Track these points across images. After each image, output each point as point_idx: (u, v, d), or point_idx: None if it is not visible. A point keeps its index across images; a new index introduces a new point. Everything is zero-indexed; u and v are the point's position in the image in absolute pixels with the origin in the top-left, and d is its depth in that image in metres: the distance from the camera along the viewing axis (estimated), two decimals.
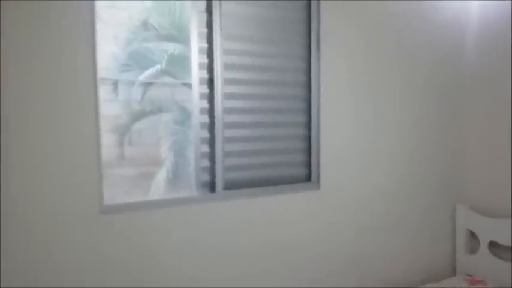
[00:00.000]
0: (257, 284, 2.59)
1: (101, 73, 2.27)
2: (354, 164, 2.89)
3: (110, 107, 3.58)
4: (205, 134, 2.49)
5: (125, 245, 2.23)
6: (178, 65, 3.65)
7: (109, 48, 3.40)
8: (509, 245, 2.96)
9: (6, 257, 1.98)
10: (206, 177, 2.51)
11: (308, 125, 2.77)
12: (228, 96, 2.52)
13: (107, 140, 3.30)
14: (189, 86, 2.52)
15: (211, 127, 2.49)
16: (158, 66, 3.66)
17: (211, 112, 2.49)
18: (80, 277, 2.13)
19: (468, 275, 3.14)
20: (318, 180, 2.77)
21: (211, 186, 2.51)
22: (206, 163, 2.50)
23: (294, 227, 2.70)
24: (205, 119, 2.49)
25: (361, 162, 2.91)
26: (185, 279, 2.39)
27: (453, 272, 3.29)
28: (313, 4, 2.71)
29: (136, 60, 3.74)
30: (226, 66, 2.50)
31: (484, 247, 3.09)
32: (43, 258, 2.06)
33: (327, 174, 2.79)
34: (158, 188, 3.59)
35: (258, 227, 2.59)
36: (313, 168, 2.78)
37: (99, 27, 2.20)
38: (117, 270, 2.22)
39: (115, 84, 3.58)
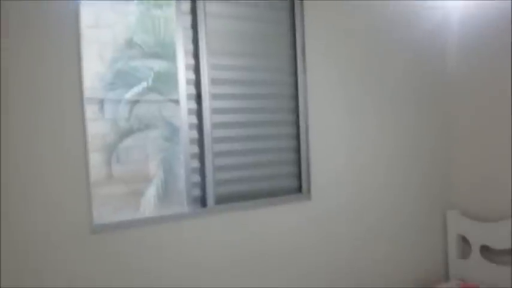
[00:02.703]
0: None
1: (87, 93, 2.26)
2: (344, 173, 2.90)
3: (97, 126, 3.56)
4: (195, 149, 2.49)
5: (117, 263, 2.20)
6: (164, 81, 3.66)
7: (94, 67, 3.39)
8: (501, 248, 2.99)
9: None
10: (197, 192, 2.50)
11: (297, 137, 2.78)
12: (216, 111, 2.52)
13: (95, 159, 3.28)
14: (176, 102, 2.52)
15: (200, 142, 2.49)
16: (144, 84, 3.66)
17: (200, 127, 2.49)
18: None
19: (461, 279, 3.16)
20: (309, 191, 2.78)
21: (203, 201, 2.50)
22: (196, 178, 2.50)
23: (286, 238, 2.69)
24: (194, 134, 2.49)
25: (351, 171, 2.92)
26: None
27: (446, 277, 3.30)
28: (297, 16, 2.74)
29: (122, 78, 3.74)
30: (214, 81, 2.51)
31: (475, 251, 3.11)
32: (35, 281, 2.03)
33: (318, 185, 2.80)
34: (148, 205, 3.57)
35: (250, 240, 2.58)
36: (304, 179, 2.78)
37: (84, 47, 2.20)
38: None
39: (101, 103, 3.56)
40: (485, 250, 3.10)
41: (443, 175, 3.33)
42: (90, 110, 2.78)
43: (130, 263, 2.24)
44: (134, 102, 3.70)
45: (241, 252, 2.55)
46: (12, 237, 1.98)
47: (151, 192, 3.68)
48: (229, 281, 2.51)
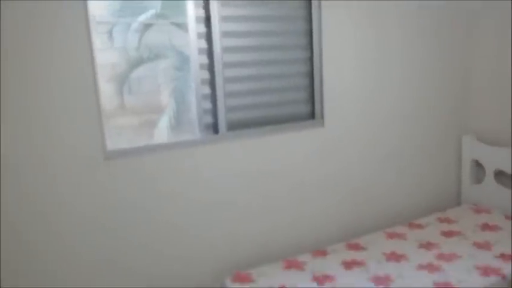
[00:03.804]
0: (263, 220, 2.63)
1: (95, 19, 2.20)
2: (358, 98, 2.85)
3: (107, 56, 3.51)
4: (205, 74, 2.45)
5: (130, 188, 2.25)
6: (173, 8, 3.55)
7: None
8: None
9: (14, 207, 2.00)
10: (208, 119, 2.49)
11: (310, 61, 2.71)
12: (226, 34, 2.45)
13: (106, 89, 3.25)
14: (185, 28, 2.45)
15: (210, 67, 2.44)
16: (153, 11, 3.55)
17: (209, 52, 2.43)
18: (86, 222, 2.16)
19: (474, 204, 3.17)
20: (322, 117, 2.75)
21: (214, 128, 2.50)
22: (208, 105, 2.48)
23: (298, 165, 2.70)
24: (204, 59, 2.43)
25: (365, 96, 2.87)
26: (191, 220, 2.42)
27: (458, 202, 3.33)
28: None
29: (129, 5, 3.63)
30: (224, 3, 2.42)
31: (489, 176, 3.10)
32: (52, 204, 2.08)
33: (331, 111, 2.76)
34: (161, 135, 3.58)
35: (262, 167, 2.59)
36: (317, 105, 2.74)
37: None
38: (122, 213, 2.24)
39: (110, 32, 3.49)
40: (499, 175, 3.09)
41: (459, 100, 3.26)
42: (99, 40, 2.72)
43: (143, 188, 2.28)
44: (144, 30, 3.61)
45: (253, 178, 2.57)
46: (26, 165, 2.01)
47: (164, 122, 3.68)
48: (241, 207, 2.55)
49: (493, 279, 2.23)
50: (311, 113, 2.76)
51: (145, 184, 2.28)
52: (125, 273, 2.27)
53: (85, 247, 2.17)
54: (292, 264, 2.46)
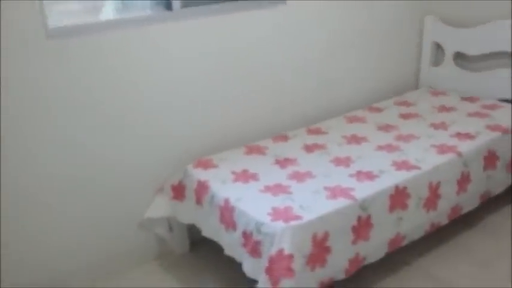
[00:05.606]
0: (222, 104, 2.53)
1: None
2: None
3: None
4: None
5: (77, 70, 2.04)
6: None
7: None
8: (475, 54, 2.97)
9: None
10: None
11: None
12: None
13: None
14: None
15: None
16: None
17: None
18: (29, 104, 1.98)
19: (431, 87, 3.20)
20: None
21: (167, 4, 2.27)
22: None
23: (258, 45, 2.56)
24: None
25: None
26: (146, 105, 2.27)
27: (416, 85, 3.34)
28: None
29: None
30: None
31: (448, 58, 3.10)
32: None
33: None
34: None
35: (220, 47, 2.43)
36: None
37: None
38: (68, 97, 2.05)
39: None
40: (458, 58, 3.09)
41: None
42: None
43: (90, 69, 2.08)
44: None
45: (211, 60, 2.42)
46: None
47: (110, 5, 3.37)
48: (197, 91, 2.41)
49: (449, 156, 2.28)
50: None
51: (92, 65, 2.07)
52: (79, 159, 2.16)
53: (34, 127, 2.01)
54: (253, 149, 2.43)
